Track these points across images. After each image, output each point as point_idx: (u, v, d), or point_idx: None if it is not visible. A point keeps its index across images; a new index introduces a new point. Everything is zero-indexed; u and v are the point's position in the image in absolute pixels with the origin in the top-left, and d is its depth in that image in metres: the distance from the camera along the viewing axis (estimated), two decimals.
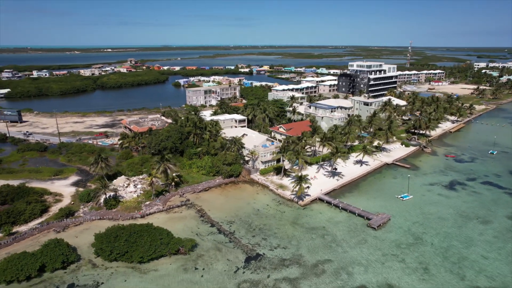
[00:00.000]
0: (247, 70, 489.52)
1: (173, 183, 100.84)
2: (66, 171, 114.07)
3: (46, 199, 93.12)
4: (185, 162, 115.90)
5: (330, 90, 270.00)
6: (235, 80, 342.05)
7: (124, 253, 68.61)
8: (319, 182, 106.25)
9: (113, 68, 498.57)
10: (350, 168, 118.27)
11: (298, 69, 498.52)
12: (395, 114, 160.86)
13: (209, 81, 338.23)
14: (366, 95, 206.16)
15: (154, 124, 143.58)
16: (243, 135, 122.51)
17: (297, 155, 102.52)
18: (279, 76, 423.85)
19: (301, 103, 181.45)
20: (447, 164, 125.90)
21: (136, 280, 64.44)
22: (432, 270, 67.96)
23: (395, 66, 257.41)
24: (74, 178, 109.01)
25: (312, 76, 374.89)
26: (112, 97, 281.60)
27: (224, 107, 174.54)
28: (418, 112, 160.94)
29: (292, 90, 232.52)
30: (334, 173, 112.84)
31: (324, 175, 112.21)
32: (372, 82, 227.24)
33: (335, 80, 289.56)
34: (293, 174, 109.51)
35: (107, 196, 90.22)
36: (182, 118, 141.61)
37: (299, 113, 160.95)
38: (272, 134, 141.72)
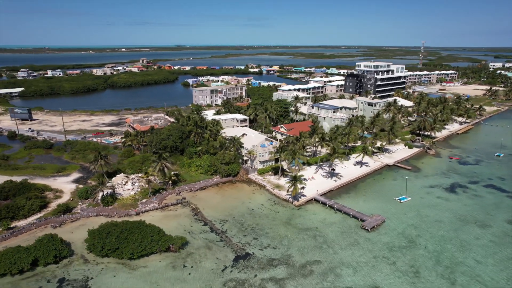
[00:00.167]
0: (256, 70, 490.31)
1: (170, 182, 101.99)
2: (69, 168, 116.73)
3: (47, 195, 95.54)
4: (184, 161, 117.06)
5: (337, 91, 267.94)
6: (244, 80, 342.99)
7: (115, 249, 69.85)
8: (316, 182, 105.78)
9: (125, 67, 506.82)
10: (349, 169, 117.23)
11: (308, 69, 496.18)
12: (399, 115, 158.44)
13: (217, 81, 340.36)
14: (372, 95, 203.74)
15: (157, 123, 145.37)
16: (242, 135, 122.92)
17: (293, 155, 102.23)
18: (288, 76, 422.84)
19: (305, 103, 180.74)
20: (450, 166, 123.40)
21: (125, 276, 65.56)
22: (423, 273, 66.86)
23: (404, 66, 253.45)
24: (75, 175, 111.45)
25: (321, 76, 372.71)
26: (121, 96, 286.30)
27: (227, 106, 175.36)
28: (424, 113, 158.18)
29: (298, 90, 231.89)
30: (332, 174, 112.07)
31: (322, 175, 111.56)
32: (379, 83, 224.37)
33: (343, 80, 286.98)
34: (291, 174, 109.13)
35: (104, 193, 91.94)
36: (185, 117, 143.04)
37: (301, 113, 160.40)
38: (274, 134, 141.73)
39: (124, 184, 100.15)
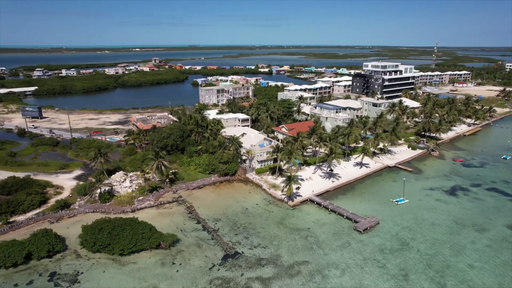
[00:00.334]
0: (266, 70, 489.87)
1: (167, 180, 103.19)
2: (72, 165, 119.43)
3: (48, 191, 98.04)
4: (184, 160, 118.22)
5: (345, 91, 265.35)
6: (252, 80, 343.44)
7: (107, 245, 71.17)
8: (314, 183, 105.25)
9: (136, 67, 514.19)
10: (348, 169, 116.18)
11: (319, 69, 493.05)
12: (404, 116, 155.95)
13: (226, 81, 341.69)
14: (379, 96, 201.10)
15: (160, 122, 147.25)
16: (242, 134, 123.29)
17: (290, 155, 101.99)
18: (298, 76, 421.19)
19: (309, 103, 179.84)
20: (453, 168, 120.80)
21: (114, 272, 66.78)
22: (412, 277, 65.79)
23: (413, 66, 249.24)
24: (77, 172, 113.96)
25: (330, 77, 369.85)
26: (130, 95, 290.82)
27: (231, 106, 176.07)
28: (429, 114, 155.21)
29: (304, 90, 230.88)
30: (330, 175, 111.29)
31: (320, 176, 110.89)
32: (386, 83, 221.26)
33: (351, 80, 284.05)
34: (288, 174, 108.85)
35: (102, 190, 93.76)
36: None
37: (304, 113, 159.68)
38: (275, 133, 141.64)
39: (122, 182, 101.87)
